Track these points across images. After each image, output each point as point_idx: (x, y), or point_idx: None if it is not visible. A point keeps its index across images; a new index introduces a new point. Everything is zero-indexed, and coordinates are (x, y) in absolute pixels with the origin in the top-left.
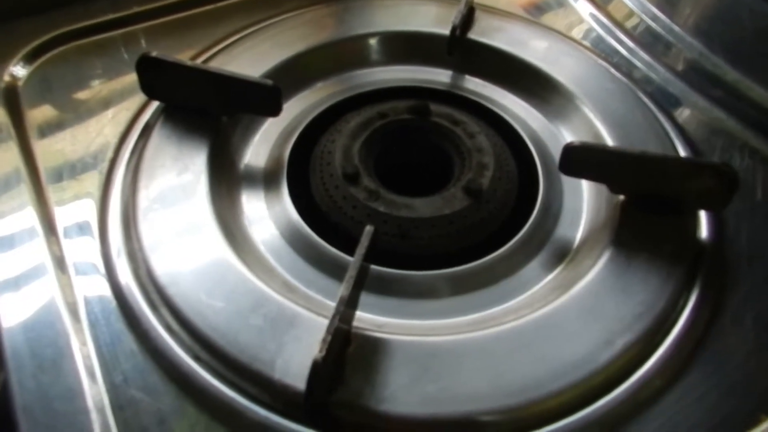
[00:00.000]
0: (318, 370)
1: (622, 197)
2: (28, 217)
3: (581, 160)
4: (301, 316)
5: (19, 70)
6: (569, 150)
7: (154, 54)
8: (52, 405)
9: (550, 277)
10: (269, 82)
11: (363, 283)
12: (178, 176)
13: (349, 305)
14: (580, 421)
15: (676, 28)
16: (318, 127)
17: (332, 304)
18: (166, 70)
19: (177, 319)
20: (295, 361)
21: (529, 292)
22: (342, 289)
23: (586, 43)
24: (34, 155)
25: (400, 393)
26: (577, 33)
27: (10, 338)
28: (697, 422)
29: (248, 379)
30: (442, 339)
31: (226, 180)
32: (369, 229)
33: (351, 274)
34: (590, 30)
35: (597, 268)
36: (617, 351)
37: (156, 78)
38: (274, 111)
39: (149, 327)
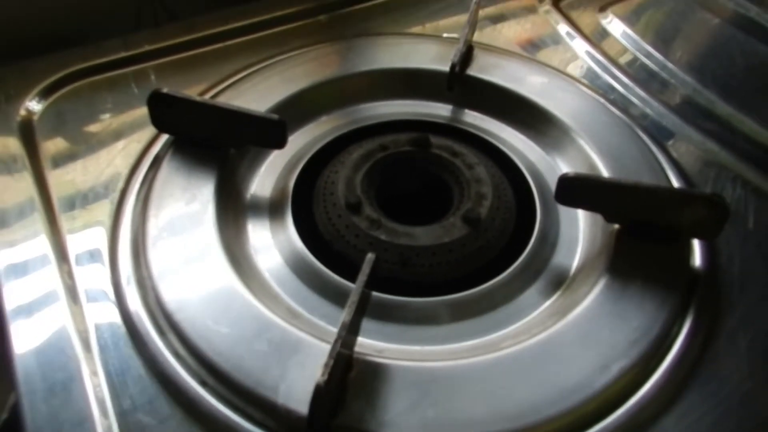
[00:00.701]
0: (320, 393)
1: (617, 226)
2: (41, 244)
3: (576, 190)
4: (304, 342)
5: (34, 105)
6: (565, 180)
7: (164, 90)
8: (62, 428)
9: (548, 303)
10: (275, 116)
11: (365, 309)
12: (186, 206)
13: (350, 331)
14: None
15: (670, 64)
16: (321, 159)
17: (335, 330)
18: (176, 105)
19: (184, 344)
20: (298, 385)
21: (526, 319)
22: (344, 315)
23: (581, 79)
24: (48, 185)
25: (400, 418)
26: (572, 69)
27: (23, 362)
28: None
29: (252, 403)
30: (442, 364)
31: (232, 209)
32: (370, 256)
33: (353, 299)
34: (585, 66)
35: (593, 295)
36: (613, 376)
37: (166, 112)
38: (280, 144)
39: (157, 352)
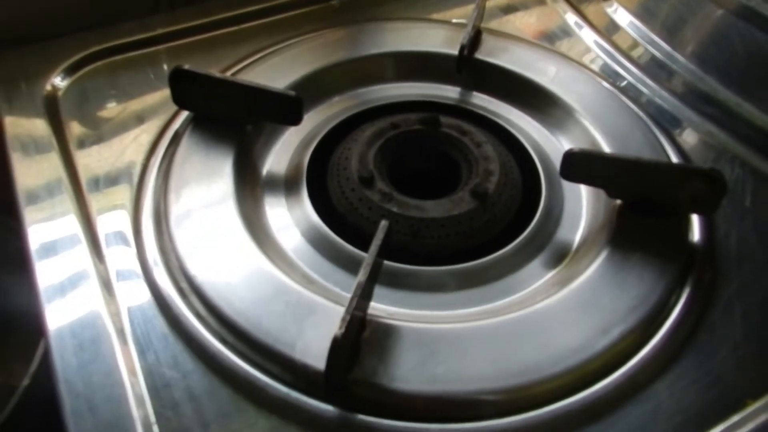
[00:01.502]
0: (337, 345)
1: (619, 201)
2: (70, 224)
3: (580, 166)
4: (319, 304)
5: (59, 83)
6: (569, 156)
7: (186, 66)
8: (92, 380)
9: (551, 274)
10: (292, 93)
11: (377, 276)
12: (207, 180)
13: (364, 295)
14: (577, 402)
15: (674, 52)
16: (334, 137)
17: (348, 296)
18: (197, 81)
19: (205, 305)
20: (314, 344)
21: (530, 288)
22: (359, 276)
23: (588, 65)
24: (75, 164)
25: (410, 373)
26: (579, 56)
27: (54, 322)
28: (687, 406)
29: (271, 359)
30: (450, 326)
31: (250, 184)
32: (384, 223)
33: (368, 261)
34: (592, 53)
35: (595, 266)
36: (613, 339)
37: (187, 89)
38: (296, 120)
39: (179, 313)
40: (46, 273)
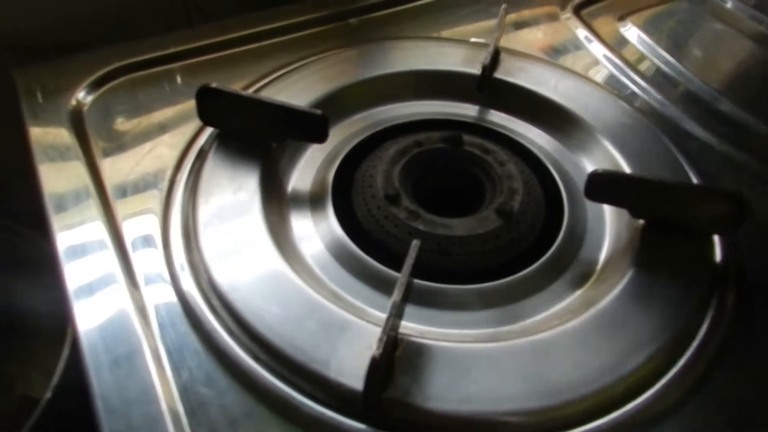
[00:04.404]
0: (375, 365)
1: (642, 221)
2: (97, 229)
3: (605, 186)
4: (351, 322)
5: (83, 97)
6: (594, 176)
7: (213, 84)
8: (128, 396)
9: (576, 294)
10: (318, 111)
11: (408, 295)
12: (233, 195)
13: (398, 314)
14: (608, 423)
15: (687, 71)
16: (356, 154)
17: (377, 314)
18: (223, 98)
19: (237, 322)
20: (348, 362)
21: (555, 308)
22: (394, 295)
23: (602, 83)
24: (100, 173)
25: (443, 392)
26: (593, 74)
27: (87, 337)
28: (715, 428)
29: (304, 377)
30: (481, 346)
31: (276, 200)
32: (416, 242)
33: (402, 281)
34: (606, 71)
35: (621, 286)
36: (643, 359)
37: (213, 106)
38: (321, 138)
39: (212, 330)
40: (74, 277)
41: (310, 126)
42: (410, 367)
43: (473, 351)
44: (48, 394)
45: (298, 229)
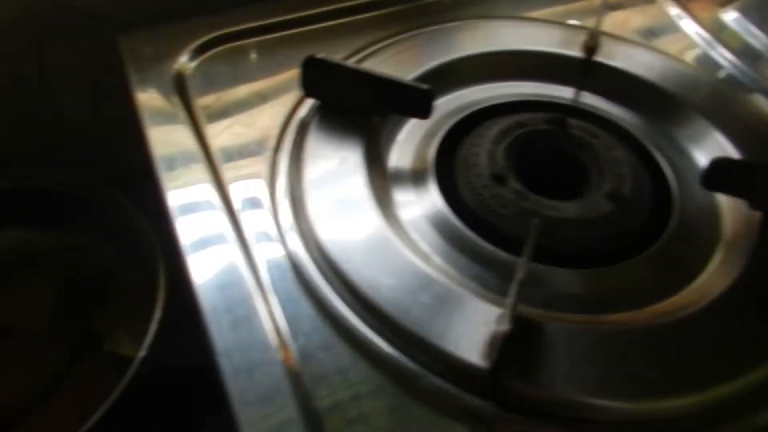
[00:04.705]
0: (505, 342)
1: (760, 213)
2: (205, 191)
3: (725, 174)
4: (464, 298)
5: (186, 64)
6: (716, 164)
7: (320, 55)
8: (251, 354)
9: (692, 285)
10: (425, 86)
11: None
12: (338, 166)
13: (520, 292)
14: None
15: None
16: (456, 132)
17: (485, 291)
18: (329, 70)
19: (351, 291)
20: (465, 337)
21: (669, 300)
22: (518, 274)
23: (703, 66)
24: (206, 138)
25: (564, 375)
26: (691, 57)
27: (206, 297)
28: None
29: (422, 350)
30: (600, 328)
31: (378, 174)
32: (536, 222)
33: (524, 261)
34: (705, 55)
35: (737, 278)
36: None
37: (318, 77)
38: (426, 114)
39: (324, 297)
40: (186, 234)
41: (415, 101)
42: (530, 348)
43: (591, 334)
44: (142, 352)
45: (400, 203)
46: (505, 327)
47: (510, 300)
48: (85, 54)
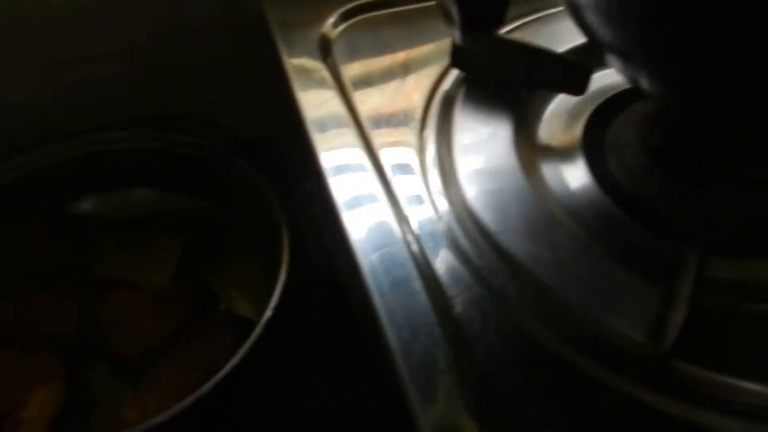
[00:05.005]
0: (688, 325)
1: None
2: (356, 154)
3: None
4: (624, 277)
5: (332, 30)
6: None
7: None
8: (415, 319)
9: None
10: (582, 60)
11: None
12: (487, 138)
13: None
14: None
15: None
16: (601, 111)
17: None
18: (481, 41)
19: (507, 263)
20: (633, 319)
21: None
22: (694, 255)
23: None
24: (353, 104)
25: (742, 360)
26: None
27: (363, 256)
28: None
29: (585, 328)
30: None
31: (527, 150)
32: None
33: (698, 244)
34: None
35: None
36: None
37: (468, 49)
38: (580, 90)
39: (482, 266)
40: (340, 193)
41: (571, 76)
42: (709, 332)
43: None
44: (269, 313)
45: (550, 180)
46: (682, 309)
47: (685, 282)
48: (217, 20)
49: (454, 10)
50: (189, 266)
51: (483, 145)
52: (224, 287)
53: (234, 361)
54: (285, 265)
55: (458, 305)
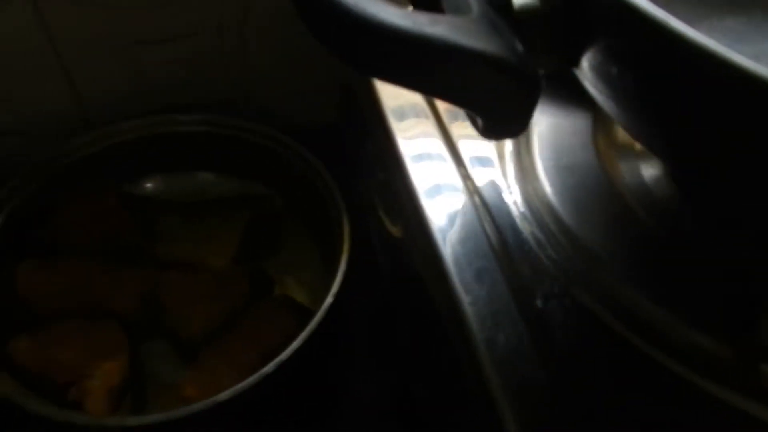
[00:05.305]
0: None
1: None
2: (435, 145)
3: None
4: (711, 281)
5: None
6: None
7: None
8: (495, 308)
9: None
10: None
11: None
12: (568, 135)
13: None
14: None
15: None
16: None
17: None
18: None
19: (587, 259)
20: (719, 322)
21: None
22: None
23: None
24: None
25: None
26: None
27: (445, 242)
28: None
29: (667, 327)
30: None
31: (606, 146)
32: None
33: None
34: None
35: None
36: None
37: None
38: None
39: (560, 259)
40: (420, 181)
41: None
42: None
43: None
44: (330, 299)
45: (629, 178)
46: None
47: None
48: (285, 12)
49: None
50: (246, 251)
51: (562, 139)
52: (278, 272)
53: (296, 344)
54: (345, 253)
55: (539, 298)
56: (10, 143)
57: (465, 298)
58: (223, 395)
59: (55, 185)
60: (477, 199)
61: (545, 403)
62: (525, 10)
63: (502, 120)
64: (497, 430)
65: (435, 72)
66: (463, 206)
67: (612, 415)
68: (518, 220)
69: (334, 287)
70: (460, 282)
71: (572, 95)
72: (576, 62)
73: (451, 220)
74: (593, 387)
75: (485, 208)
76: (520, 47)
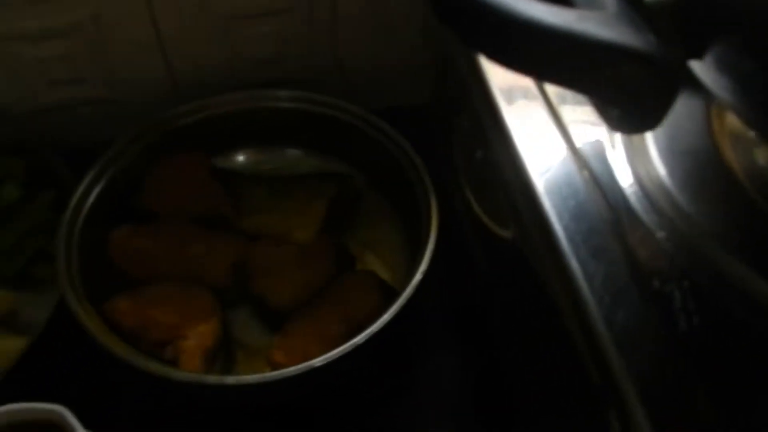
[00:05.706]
0: None
1: None
2: (546, 128)
3: None
4: None
5: None
6: None
7: None
8: (611, 284)
9: None
10: None
11: None
12: (680, 117)
13: None
14: None
15: None
16: None
17: None
18: None
19: (702, 242)
20: None
21: None
22: None
23: None
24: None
25: None
26: None
27: (559, 221)
28: None
29: None
30: None
31: (720, 130)
32: None
33: None
34: None
35: None
36: None
37: None
38: None
39: (675, 242)
40: (529, 158)
41: None
42: None
43: None
44: (419, 276)
45: (743, 162)
46: None
47: None
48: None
49: None
50: (329, 226)
51: (675, 124)
52: (359, 248)
53: (386, 316)
54: (434, 233)
55: (656, 279)
56: (107, 111)
57: (580, 276)
58: (317, 361)
59: (150, 155)
60: (588, 176)
61: (668, 384)
62: (657, 4)
63: (641, 114)
64: (620, 410)
65: (585, 67)
66: (575, 184)
67: (739, 400)
68: (632, 201)
69: (423, 265)
70: (575, 259)
71: (684, 86)
72: (700, 55)
73: (564, 198)
74: (713, 368)
75: (598, 188)
76: (655, 41)
